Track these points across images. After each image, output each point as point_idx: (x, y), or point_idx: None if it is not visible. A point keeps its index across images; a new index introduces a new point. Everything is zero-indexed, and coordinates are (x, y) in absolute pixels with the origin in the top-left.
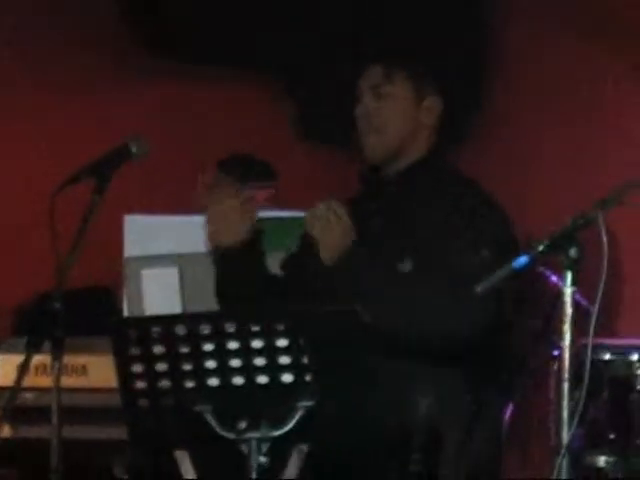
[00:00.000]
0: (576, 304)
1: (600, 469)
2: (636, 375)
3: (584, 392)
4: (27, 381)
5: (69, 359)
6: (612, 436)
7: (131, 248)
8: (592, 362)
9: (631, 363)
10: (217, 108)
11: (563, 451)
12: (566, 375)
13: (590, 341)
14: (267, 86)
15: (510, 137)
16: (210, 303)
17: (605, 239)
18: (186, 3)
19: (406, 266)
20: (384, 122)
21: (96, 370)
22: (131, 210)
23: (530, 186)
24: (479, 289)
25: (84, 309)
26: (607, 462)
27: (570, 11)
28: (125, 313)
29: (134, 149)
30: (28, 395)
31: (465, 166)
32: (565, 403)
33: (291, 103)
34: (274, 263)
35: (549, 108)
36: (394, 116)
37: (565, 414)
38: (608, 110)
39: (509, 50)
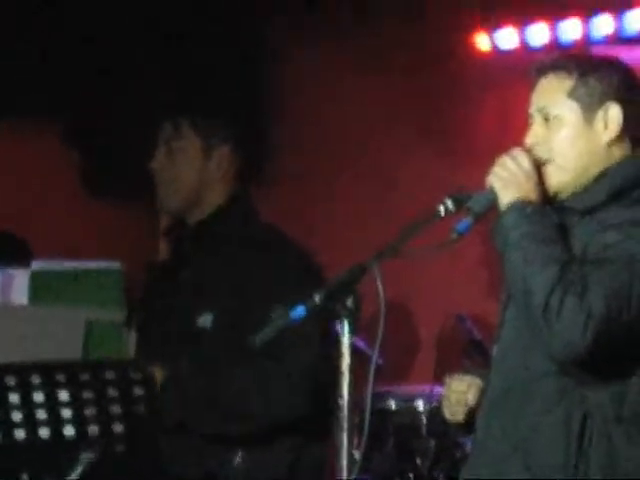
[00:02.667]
0: (359, 352)
1: None
2: (421, 422)
3: (365, 441)
4: None
5: None
6: None
7: None
8: (378, 411)
9: (416, 410)
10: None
11: None
12: (345, 424)
13: (370, 389)
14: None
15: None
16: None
17: (381, 288)
18: None
19: (206, 321)
20: (174, 176)
21: None
22: None
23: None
24: (256, 341)
25: None
26: None
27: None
28: None
29: None
30: None
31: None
32: (344, 452)
33: (83, 162)
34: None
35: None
36: (183, 169)
37: (344, 463)
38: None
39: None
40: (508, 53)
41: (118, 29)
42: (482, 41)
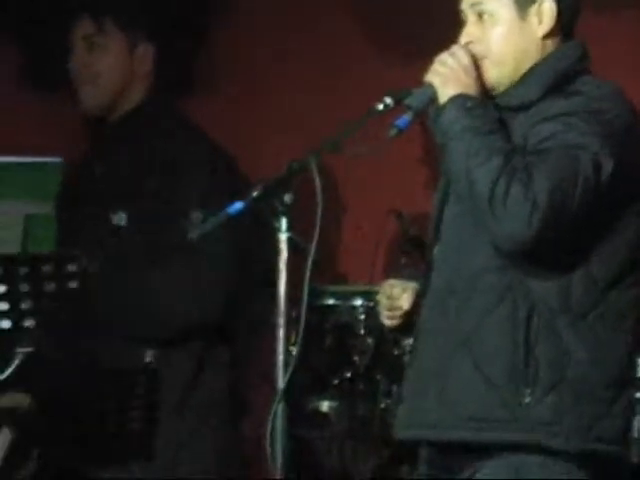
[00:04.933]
0: (295, 248)
1: (324, 414)
2: (359, 320)
3: (301, 337)
4: None
5: None
6: (336, 381)
7: None
8: (316, 307)
9: (354, 308)
10: None
11: (279, 397)
12: (281, 320)
13: (306, 284)
14: None
15: (239, 85)
16: None
17: (319, 184)
18: None
19: (120, 219)
20: (96, 74)
21: None
22: None
23: (260, 132)
24: (193, 235)
25: None
26: (331, 407)
27: None
28: None
29: None
30: None
31: (196, 115)
32: (280, 349)
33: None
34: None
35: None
36: (105, 67)
37: (280, 360)
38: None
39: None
40: None
41: None
42: None
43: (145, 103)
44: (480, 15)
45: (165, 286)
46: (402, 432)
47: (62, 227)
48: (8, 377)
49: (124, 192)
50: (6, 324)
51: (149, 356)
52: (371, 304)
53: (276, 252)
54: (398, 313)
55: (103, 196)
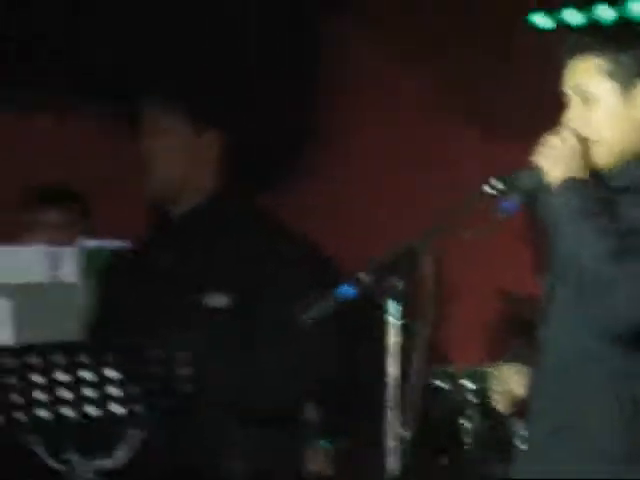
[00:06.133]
0: (405, 330)
1: None
2: (468, 401)
3: (413, 419)
4: None
5: None
6: (445, 463)
7: None
8: (425, 389)
9: (464, 389)
10: (43, 134)
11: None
12: (391, 403)
13: (416, 365)
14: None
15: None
16: (44, 335)
17: (429, 269)
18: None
19: (219, 301)
20: (160, 162)
21: None
22: None
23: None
24: (305, 317)
25: None
26: None
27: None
28: None
29: None
30: None
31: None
32: (391, 431)
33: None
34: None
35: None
36: (170, 154)
37: (391, 442)
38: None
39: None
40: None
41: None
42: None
43: (216, 195)
44: (584, 97)
45: (274, 366)
46: None
47: (112, 308)
48: (118, 462)
49: (219, 277)
50: (118, 409)
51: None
52: (480, 385)
53: (385, 334)
54: (511, 400)
55: (191, 280)
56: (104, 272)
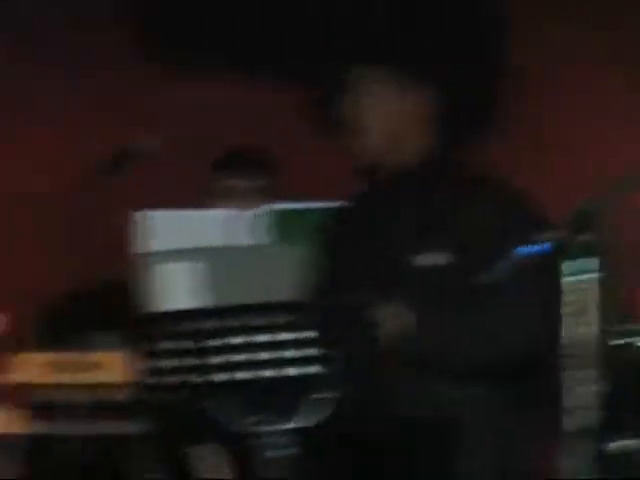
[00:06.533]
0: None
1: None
2: None
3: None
4: (50, 377)
5: (84, 355)
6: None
7: (144, 244)
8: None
9: None
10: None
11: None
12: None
13: (601, 320)
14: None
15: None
16: (235, 297)
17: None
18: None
19: (432, 259)
20: (367, 123)
21: (114, 366)
22: (141, 206)
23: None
24: (486, 278)
25: (99, 306)
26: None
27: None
28: (139, 309)
29: (146, 151)
30: (50, 391)
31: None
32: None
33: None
34: (289, 257)
35: None
36: (377, 116)
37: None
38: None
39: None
40: None
41: None
42: None
43: (430, 153)
44: None
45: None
46: None
47: (336, 269)
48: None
49: (437, 235)
50: (292, 371)
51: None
52: None
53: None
54: None
55: (396, 239)
56: (320, 232)
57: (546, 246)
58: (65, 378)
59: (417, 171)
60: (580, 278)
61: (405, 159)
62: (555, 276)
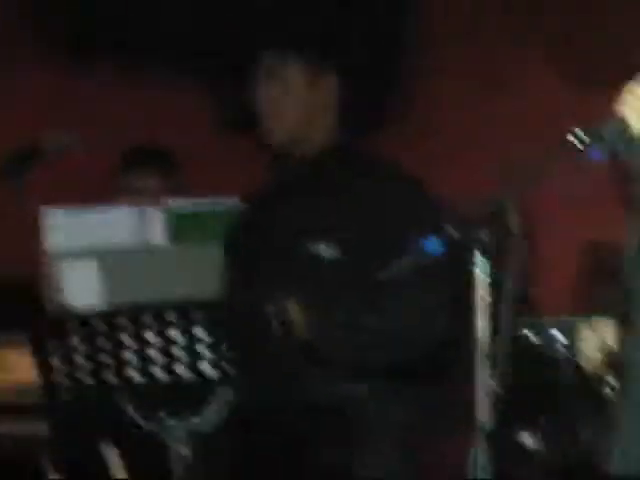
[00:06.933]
0: (494, 283)
1: (527, 449)
2: (559, 353)
3: (500, 371)
4: None
5: None
6: (537, 416)
7: (51, 242)
8: (516, 341)
9: (554, 341)
10: (136, 105)
11: (482, 431)
12: (480, 356)
13: (504, 317)
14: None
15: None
16: (130, 296)
17: (515, 221)
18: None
19: (325, 250)
20: (280, 108)
21: (20, 366)
22: (48, 203)
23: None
24: (382, 275)
25: (5, 305)
26: (534, 442)
27: None
28: (47, 307)
29: (50, 147)
30: None
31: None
32: (480, 383)
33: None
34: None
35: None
36: (289, 101)
37: (481, 394)
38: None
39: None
40: None
41: None
42: None
43: (335, 139)
44: None
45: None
46: (619, 470)
47: (240, 262)
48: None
49: (329, 226)
50: (210, 372)
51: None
52: (570, 337)
53: (472, 288)
54: (604, 349)
55: (295, 229)
56: (230, 230)
57: (438, 245)
58: None
59: (319, 160)
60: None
61: (312, 146)
62: (458, 271)
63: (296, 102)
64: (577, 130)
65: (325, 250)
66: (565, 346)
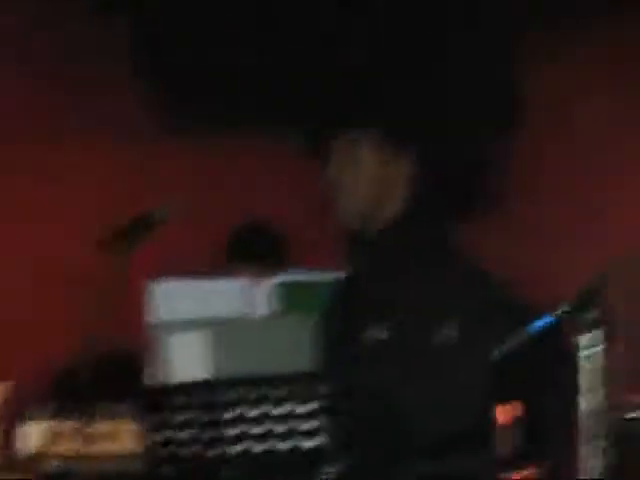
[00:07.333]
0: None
1: None
2: None
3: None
4: (57, 448)
5: (98, 425)
6: None
7: (157, 313)
8: (617, 421)
9: None
10: (235, 174)
11: None
12: (584, 438)
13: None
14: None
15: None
16: (241, 367)
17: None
18: None
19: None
20: (351, 187)
21: (124, 436)
22: (155, 275)
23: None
24: (495, 355)
25: (112, 376)
26: None
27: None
28: (152, 379)
29: (158, 217)
30: (57, 462)
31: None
32: (585, 466)
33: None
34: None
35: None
36: (360, 180)
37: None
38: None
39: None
40: None
41: None
42: None
43: (404, 216)
44: None
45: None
46: None
47: (331, 343)
48: None
49: (385, 305)
50: (309, 444)
51: None
52: None
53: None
54: None
55: (363, 310)
56: (328, 304)
57: (542, 324)
58: (74, 448)
59: (393, 240)
60: (588, 352)
61: (381, 223)
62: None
63: (368, 181)
64: None
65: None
66: None
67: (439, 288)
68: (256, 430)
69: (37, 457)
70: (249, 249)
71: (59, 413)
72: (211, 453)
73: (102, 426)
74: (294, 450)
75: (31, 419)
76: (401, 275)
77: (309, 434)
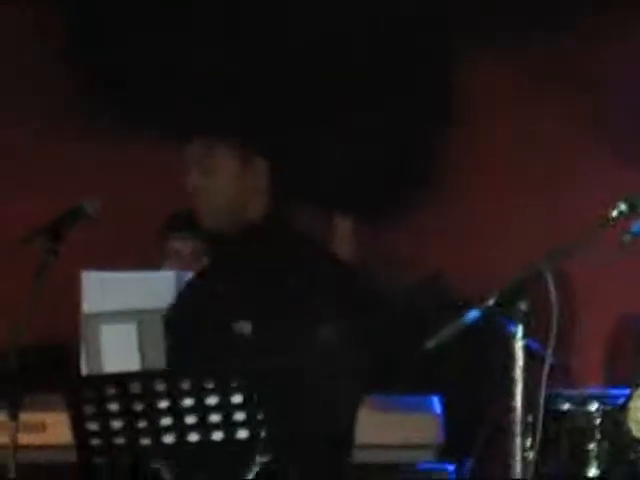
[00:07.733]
0: (531, 355)
1: None
2: (595, 425)
3: (538, 442)
4: None
5: (27, 416)
6: None
7: (89, 304)
8: (551, 413)
9: (590, 413)
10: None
11: None
12: (518, 427)
13: (543, 389)
14: None
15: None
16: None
17: (553, 291)
18: None
19: (243, 328)
20: (210, 194)
21: (54, 427)
22: (87, 266)
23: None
24: (429, 344)
25: (41, 366)
26: None
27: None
28: (83, 370)
29: (89, 210)
30: None
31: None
32: (517, 455)
33: None
34: None
35: None
36: (219, 187)
37: (517, 466)
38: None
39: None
40: None
41: None
42: None
43: (263, 220)
44: None
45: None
46: None
47: (179, 340)
48: None
49: (248, 303)
50: (243, 434)
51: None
52: (607, 408)
53: (512, 359)
54: None
55: (225, 309)
56: (175, 302)
57: (476, 314)
58: (2, 439)
59: (246, 242)
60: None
61: (241, 228)
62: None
63: (227, 188)
64: (619, 203)
65: (243, 327)
66: (602, 417)
67: (298, 287)
68: (189, 420)
69: None
70: (181, 227)
71: None
72: (143, 443)
73: (32, 417)
74: (227, 439)
75: None
76: (256, 273)
77: (243, 424)
